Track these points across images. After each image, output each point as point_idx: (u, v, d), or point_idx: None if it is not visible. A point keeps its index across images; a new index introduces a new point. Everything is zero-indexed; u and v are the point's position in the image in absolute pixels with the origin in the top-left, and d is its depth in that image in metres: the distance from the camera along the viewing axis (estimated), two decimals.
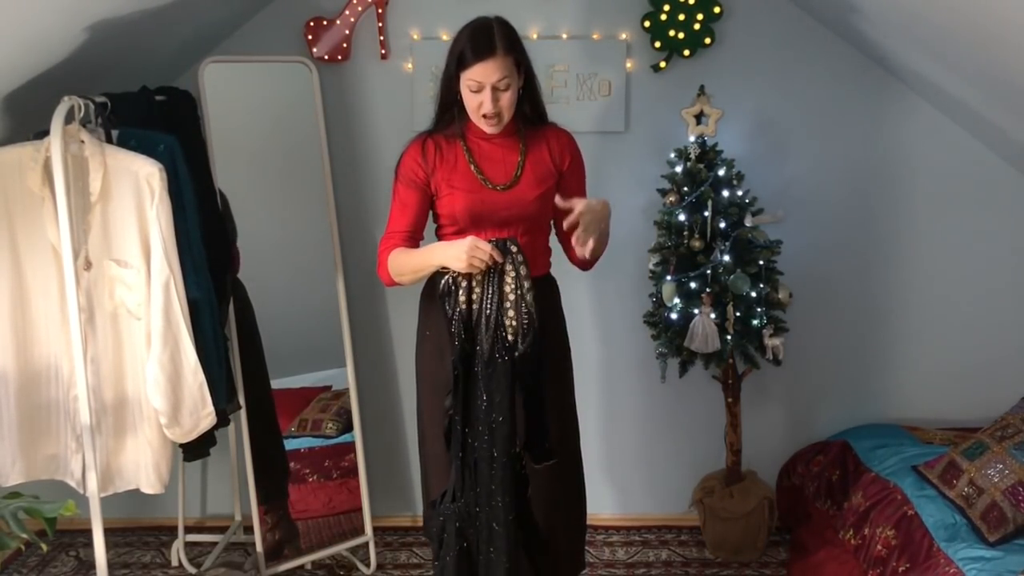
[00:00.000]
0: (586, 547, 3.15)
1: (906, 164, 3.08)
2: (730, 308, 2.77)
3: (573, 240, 2.07)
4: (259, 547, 2.92)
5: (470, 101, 2.09)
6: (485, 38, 2.04)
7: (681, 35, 2.92)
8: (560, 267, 2.31)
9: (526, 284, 1.99)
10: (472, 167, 2.14)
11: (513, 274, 1.99)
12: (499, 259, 1.97)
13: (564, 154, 2.22)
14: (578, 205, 2.01)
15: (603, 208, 2.05)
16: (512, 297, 2.00)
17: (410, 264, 2.11)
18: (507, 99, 2.07)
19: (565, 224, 2.06)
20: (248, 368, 2.85)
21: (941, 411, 3.21)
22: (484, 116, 2.09)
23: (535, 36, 2.97)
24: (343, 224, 3.01)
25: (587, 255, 2.11)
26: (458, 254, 1.95)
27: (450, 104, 2.15)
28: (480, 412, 2.05)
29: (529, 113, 2.19)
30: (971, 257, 3.13)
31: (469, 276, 2.00)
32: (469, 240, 1.96)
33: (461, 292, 2.01)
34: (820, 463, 3.08)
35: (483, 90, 2.05)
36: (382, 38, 2.99)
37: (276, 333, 3.02)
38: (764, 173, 3.01)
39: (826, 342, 3.22)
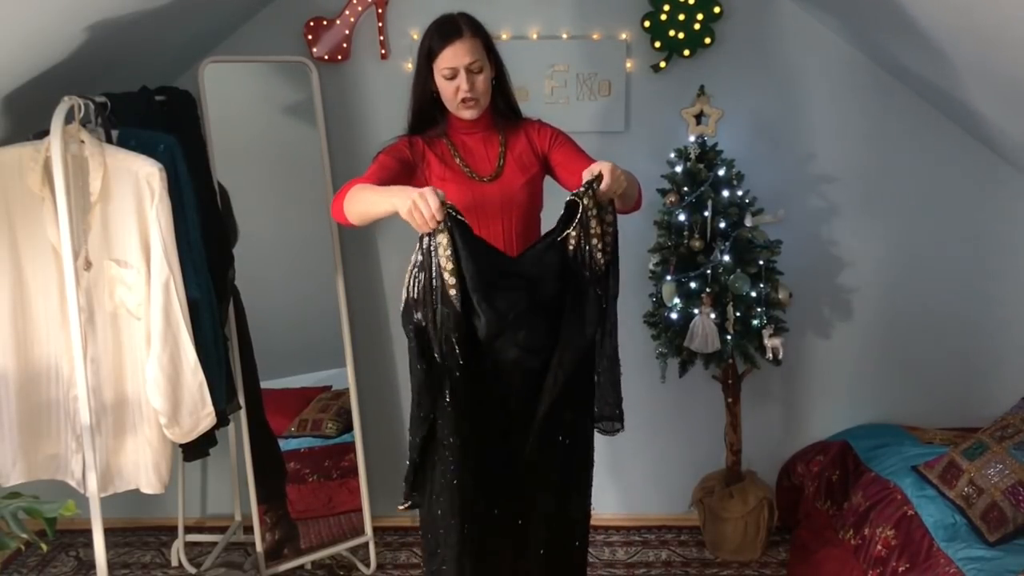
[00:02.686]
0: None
1: (906, 164, 3.08)
2: (730, 308, 2.77)
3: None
4: (259, 547, 2.92)
5: (447, 90, 2.10)
6: (450, 25, 2.09)
7: (681, 35, 2.92)
8: None
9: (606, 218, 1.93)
10: (458, 161, 2.16)
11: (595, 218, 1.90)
12: (438, 219, 1.76)
13: (541, 136, 2.23)
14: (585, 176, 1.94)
15: (606, 169, 1.93)
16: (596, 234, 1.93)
17: (368, 196, 1.90)
18: (482, 81, 2.10)
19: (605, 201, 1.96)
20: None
21: (941, 411, 3.21)
22: (463, 101, 2.10)
23: (535, 36, 2.97)
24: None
25: (619, 206, 2.06)
26: (405, 198, 1.77)
27: (426, 108, 2.17)
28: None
29: (502, 107, 2.20)
30: (971, 257, 3.13)
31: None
32: (426, 189, 1.77)
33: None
34: (820, 463, 3.08)
35: (457, 75, 2.07)
36: (382, 38, 2.99)
37: (276, 333, 3.02)
38: (764, 173, 3.01)
39: (826, 342, 3.22)
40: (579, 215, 1.90)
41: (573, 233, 1.92)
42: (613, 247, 1.98)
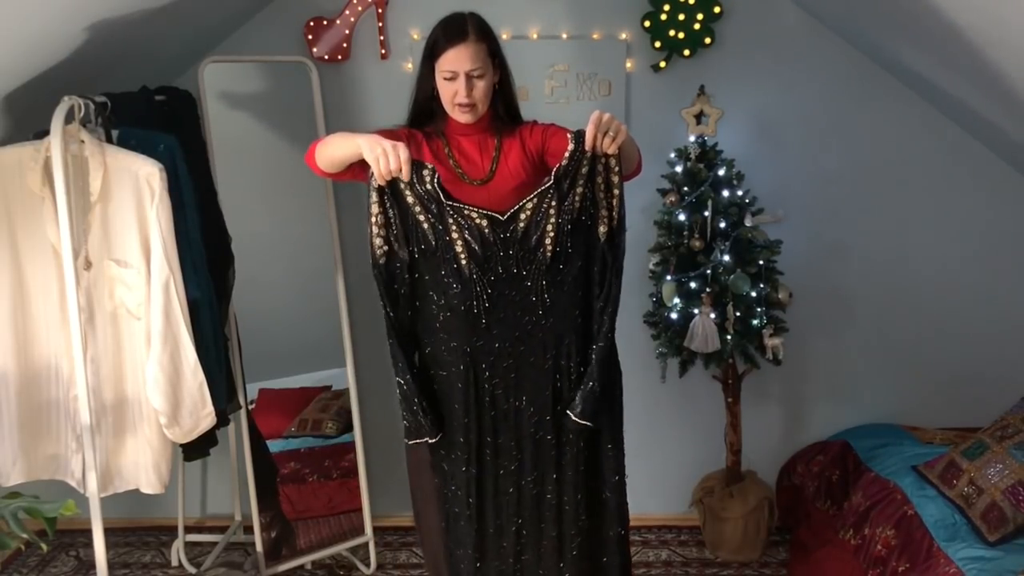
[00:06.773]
0: None
1: (906, 164, 3.08)
2: (730, 308, 2.77)
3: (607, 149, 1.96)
4: (259, 547, 2.92)
5: (445, 91, 2.08)
6: (457, 26, 2.05)
7: (681, 35, 2.92)
8: None
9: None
10: (452, 161, 2.15)
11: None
12: (404, 172, 1.85)
13: (533, 136, 2.19)
14: (589, 127, 1.92)
15: (603, 116, 1.93)
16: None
17: (336, 139, 1.98)
18: (481, 88, 2.07)
19: (588, 149, 1.95)
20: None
21: (941, 411, 3.22)
22: (459, 105, 2.08)
23: (535, 36, 2.98)
24: (343, 224, 3.01)
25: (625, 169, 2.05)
26: (374, 144, 1.84)
27: (426, 104, 2.15)
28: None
29: (503, 113, 2.17)
30: (971, 257, 3.13)
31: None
32: (394, 143, 1.85)
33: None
34: (820, 463, 3.09)
35: (457, 78, 2.04)
36: (382, 38, 2.99)
37: (276, 333, 3.02)
38: (764, 173, 3.01)
39: (826, 342, 3.22)
40: (570, 153, 1.92)
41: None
42: (619, 210, 1.99)
